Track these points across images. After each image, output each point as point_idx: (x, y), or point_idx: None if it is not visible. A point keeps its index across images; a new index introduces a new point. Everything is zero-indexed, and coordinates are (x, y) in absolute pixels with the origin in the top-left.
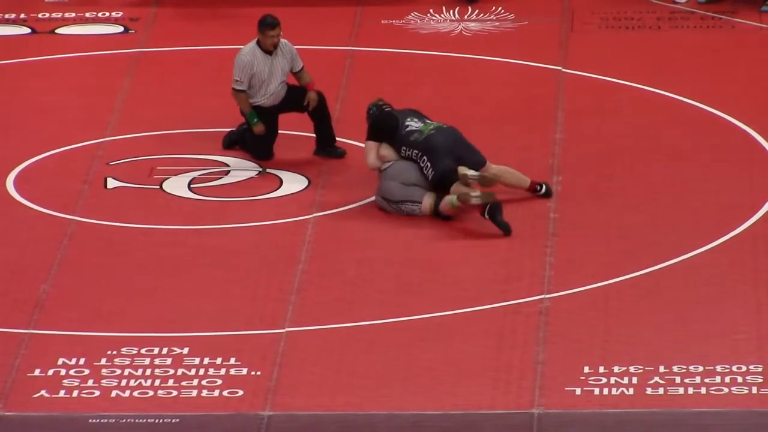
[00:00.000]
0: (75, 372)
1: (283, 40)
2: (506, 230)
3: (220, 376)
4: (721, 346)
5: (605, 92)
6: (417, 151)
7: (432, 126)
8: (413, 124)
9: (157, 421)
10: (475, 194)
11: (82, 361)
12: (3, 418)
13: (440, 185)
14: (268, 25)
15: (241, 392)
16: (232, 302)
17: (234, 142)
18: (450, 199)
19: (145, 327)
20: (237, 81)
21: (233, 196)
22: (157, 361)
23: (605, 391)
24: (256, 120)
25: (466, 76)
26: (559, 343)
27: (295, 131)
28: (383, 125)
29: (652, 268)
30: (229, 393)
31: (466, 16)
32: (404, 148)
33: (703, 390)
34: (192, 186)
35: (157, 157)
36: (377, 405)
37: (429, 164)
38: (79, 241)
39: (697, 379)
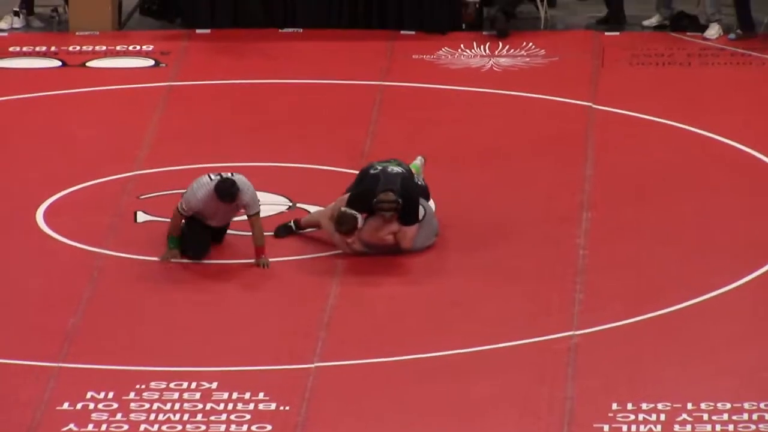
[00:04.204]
0: (104, 406)
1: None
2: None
3: (248, 411)
4: (749, 384)
5: (635, 128)
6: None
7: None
8: (387, 167)
9: None
10: None
11: (110, 395)
12: None
13: None
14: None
15: (269, 427)
16: (262, 337)
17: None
18: None
19: (174, 361)
20: (183, 208)
21: (264, 231)
22: (185, 396)
23: (633, 427)
24: (173, 246)
25: (496, 112)
26: (588, 379)
27: (330, 167)
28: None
29: (682, 304)
30: (257, 428)
31: (496, 52)
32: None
33: (731, 427)
34: None
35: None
36: None
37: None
38: (109, 275)
39: (725, 417)
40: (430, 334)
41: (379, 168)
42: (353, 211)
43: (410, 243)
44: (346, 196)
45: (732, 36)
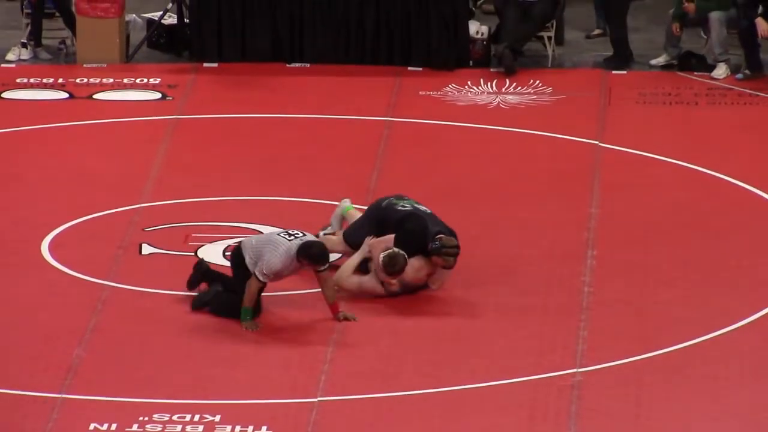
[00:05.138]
0: None
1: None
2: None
3: None
4: (752, 424)
5: (642, 167)
6: None
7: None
8: (413, 204)
9: None
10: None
11: (113, 427)
12: None
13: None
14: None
15: None
16: (265, 370)
17: (205, 304)
18: None
19: (178, 393)
20: (265, 274)
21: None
22: (188, 428)
23: None
24: (249, 317)
25: (502, 149)
26: (591, 417)
27: (336, 202)
28: None
29: (685, 343)
30: None
31: (503, 89)
32: None
33: None
34: (227, 253)
35: (192, 224)
36: None
37: None
38: (113, 307)
39: None
40: (434, 369)
41: (409, 207)
42: (403, 252)
43: (441, 285)
44: (387, 237)
45: (739, 76)
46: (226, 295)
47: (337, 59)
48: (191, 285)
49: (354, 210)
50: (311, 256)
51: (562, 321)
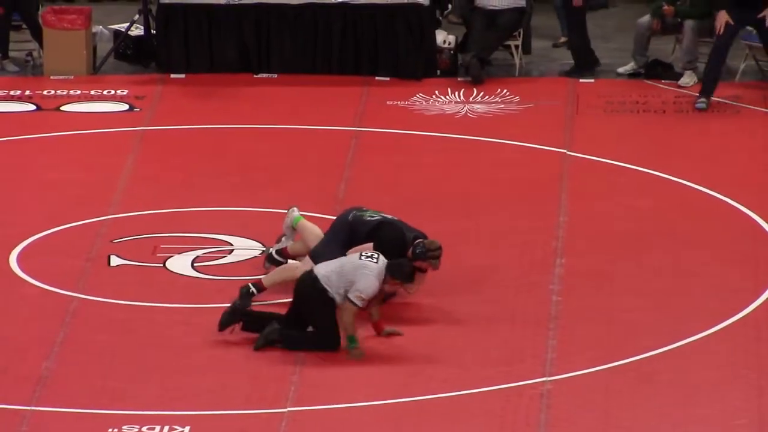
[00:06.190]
0: None
1: None
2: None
3: None
4: (722, 431)
5: (609, 175)
6: None
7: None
8: (378, 212)
9: None
10: None
11: None
12: None
13: None
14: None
15: None
16: (234, 381)
17: (272, 342)
18: None
19: (147, 405)
20: (363, 299)
21: (237, 276)
22: None
23: None
24: (356, 344)
25: (470, 158)
26: (560, 426)
27: (304, 212)
28: None
29: (654, 351)
30: None
31: (471, 98)
32: None
33: None
34: (195, 265)
35: (160, 235)
36: None
37: None
38: (82, 319)
39: None
40: (404, 379)
41: (377, 216)
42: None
43: (417, 290)
44: (365, 246)
45: (701, 106)
46: (295, 332)
47: (305, 69)
48: (224, 325)
49: (304, 220)
50: (405, 274)
51: (531, 330)
